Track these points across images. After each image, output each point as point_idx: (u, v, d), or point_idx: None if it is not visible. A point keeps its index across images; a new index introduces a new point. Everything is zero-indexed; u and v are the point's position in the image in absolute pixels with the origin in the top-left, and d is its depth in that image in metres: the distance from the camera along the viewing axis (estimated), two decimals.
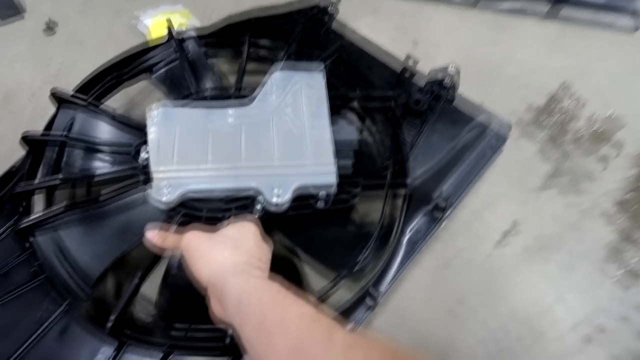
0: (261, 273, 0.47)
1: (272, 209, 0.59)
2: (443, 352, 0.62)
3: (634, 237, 0.69)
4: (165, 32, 0.77)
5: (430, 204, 0.68)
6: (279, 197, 0.58)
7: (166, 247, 0.51)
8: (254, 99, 0.66)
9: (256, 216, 0.58)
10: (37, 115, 0.75)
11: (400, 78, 0.79)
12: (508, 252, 0.69)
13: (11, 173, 0.65)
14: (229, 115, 0.65)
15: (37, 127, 0.71)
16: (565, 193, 0.73)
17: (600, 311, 0.63)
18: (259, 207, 0.59)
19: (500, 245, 0.69)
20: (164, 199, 0.57)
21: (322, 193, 0.61)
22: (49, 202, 0.64)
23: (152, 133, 0.61)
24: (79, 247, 0.58)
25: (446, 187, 0.70)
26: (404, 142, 0.71)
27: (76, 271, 0.57)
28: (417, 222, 0.66)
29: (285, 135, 0.63)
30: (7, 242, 0.58)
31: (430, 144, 0.74)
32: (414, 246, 0.65)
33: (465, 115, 0.78)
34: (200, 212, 0.58)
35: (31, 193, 0.61)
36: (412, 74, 0.80)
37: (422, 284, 0.66)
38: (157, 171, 0.58)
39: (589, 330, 0.62)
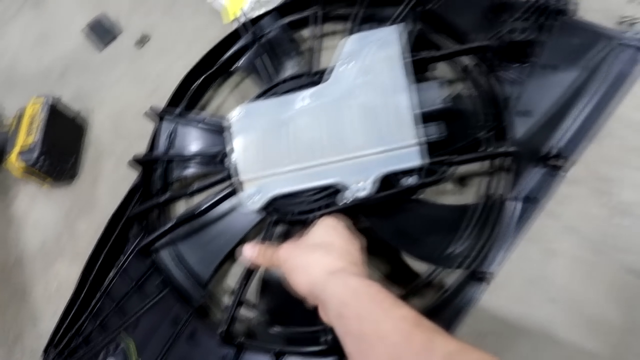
0: (358, 269, 0.45)
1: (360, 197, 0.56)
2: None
3: None
4: (240, 8, 0.76)
5: (547, 154, 0.57)
6: (363, 190, 0.55)
7: (263, 264, 0.52)
8: (330, 73, 0.62)
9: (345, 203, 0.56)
10: (145, 131, 0.82)
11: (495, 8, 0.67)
12: None
13: (134, 190, 0.72)
14: (306, 99, 0.62)
15: (146, 142, 0.78)
16: None
17: None
18: (345, 198, 0.57)
19: None
20: (254, 205, 0.58)
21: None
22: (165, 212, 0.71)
23: (234, 140, 0.62)
24: (191, 253, 0.64)
25: (568, 130, 0.59)
26: (505, 95, 0.61)
27: (192, 276, 0.62)
28: (533, 177, 0.58)
29: (364, 110, 0.58)
30: (137, 258, 0.66)
31: (545, 77, 0.62)
32: (532, 206, 0.56)
33: (591, 28, 0.63)
34: (290, 214, 0.58)
35: (145, 213, 0.67)
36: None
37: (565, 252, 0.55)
38: (244, 179, 0.59)
39: None
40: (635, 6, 0.66)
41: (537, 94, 0.62)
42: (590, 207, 0.57)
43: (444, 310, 0.53)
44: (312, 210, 0.57)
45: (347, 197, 0.56)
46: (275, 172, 0.59)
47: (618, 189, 0.57)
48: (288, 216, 0.58)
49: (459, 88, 0.66)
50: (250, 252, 0.52)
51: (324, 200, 0.57)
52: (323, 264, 0.45)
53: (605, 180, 0.57)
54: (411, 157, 0.55)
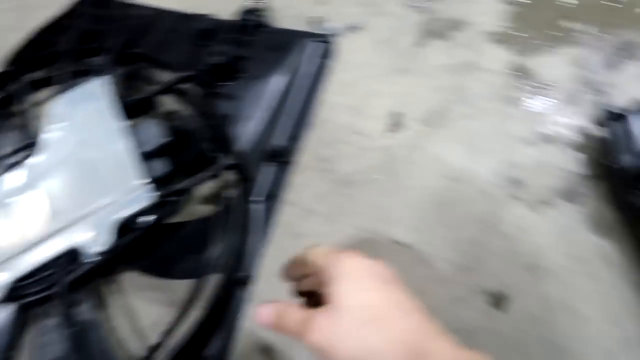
0: (430, 332, 0.33)
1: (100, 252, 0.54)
2: None
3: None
4: None
5: (274, 153, 0.64)
6: (101, 244, 0.53)
7: (285, 332, 0.37)
8: (43, 143, 0.60)
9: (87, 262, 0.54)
10: None
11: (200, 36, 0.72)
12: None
13: None
14: (22, 174, 0.59)
15: None
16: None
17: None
18: (86, 257, 0.54)
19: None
20: None
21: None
22: None
23: None
24: None
25: (286, 126, 0.66)
26: (224, 111, 0.66)
27: None
28: (268, 176, 0.62)
29: (84, 168, 0.58)
30: None
31: (257, 86, 0.68)
32: (274, 202, 0.61)
33: (287, 33, 0.73)
34: (31, 296, 0.53)
35: None
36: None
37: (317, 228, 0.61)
38: None
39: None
40: (322, 6, 0.77)
41: (252, 103, 0.67)
42: (320, 186, 0.64)
43: (220, 324, 0.54)
44: (53, 285, 0.53)
45: (88, 256, 0.54)
46: (7, 258, 0.54)
47: (337, 164, 0.65)
48: (28, 299, 0.53)
49: (184, 114, 0.68)
50: (266, 315, 0.38)
51: (66, 268, 0.54)
52: (389, 345, 0.32)
53: (327, 160, 0.65)
54: (139, 199, 0.55)
